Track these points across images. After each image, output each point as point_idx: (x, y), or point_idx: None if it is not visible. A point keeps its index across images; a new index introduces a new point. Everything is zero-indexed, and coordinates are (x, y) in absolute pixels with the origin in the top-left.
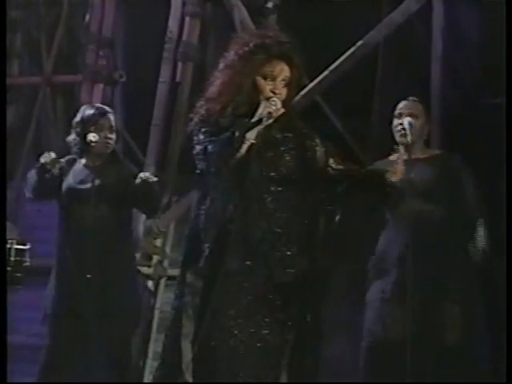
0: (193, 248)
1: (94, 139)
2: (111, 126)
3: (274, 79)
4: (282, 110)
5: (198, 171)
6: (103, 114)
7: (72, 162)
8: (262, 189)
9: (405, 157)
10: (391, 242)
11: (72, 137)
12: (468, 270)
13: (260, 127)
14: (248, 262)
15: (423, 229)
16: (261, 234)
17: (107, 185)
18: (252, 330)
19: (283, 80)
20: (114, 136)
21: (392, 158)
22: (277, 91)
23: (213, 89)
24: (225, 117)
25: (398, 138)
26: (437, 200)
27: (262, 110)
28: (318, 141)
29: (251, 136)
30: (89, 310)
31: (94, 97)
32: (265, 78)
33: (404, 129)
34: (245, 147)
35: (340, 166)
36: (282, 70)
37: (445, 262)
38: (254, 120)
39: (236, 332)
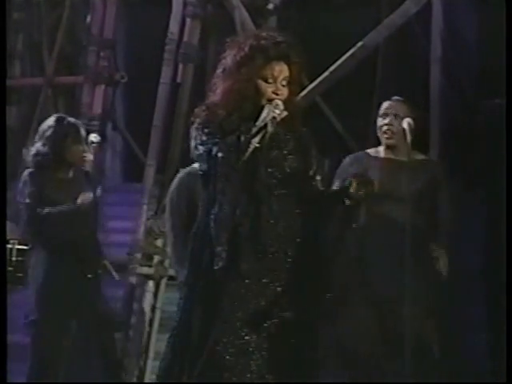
0: (201, 249)
1: (95, 140)
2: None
3: (274, 80)
4: (285, 113)
5: (200, 172)
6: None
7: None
8: (268, 191)
9: (389, 156)
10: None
11: (44, 149)
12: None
13: (265, 132)
14: (256, 265)
15: (395, 233)
16: (268, 237)
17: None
18: (258, 332)
19: (284, 80)
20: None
21: (369, 150)
22: (279, 92)
23: (215, 97)
24: (229, 121)
25: (382, 138)
26: (415, 206)
27: (265, 115)
28: (314, 152)
29: (256, 140)
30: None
31: (95, 98)
32: (265, 81)
33: (389, 130)
34: (250, 151)
35: (321, 187)
36: (282, 71)
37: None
38: (258, 124)
39: (243, 334)
